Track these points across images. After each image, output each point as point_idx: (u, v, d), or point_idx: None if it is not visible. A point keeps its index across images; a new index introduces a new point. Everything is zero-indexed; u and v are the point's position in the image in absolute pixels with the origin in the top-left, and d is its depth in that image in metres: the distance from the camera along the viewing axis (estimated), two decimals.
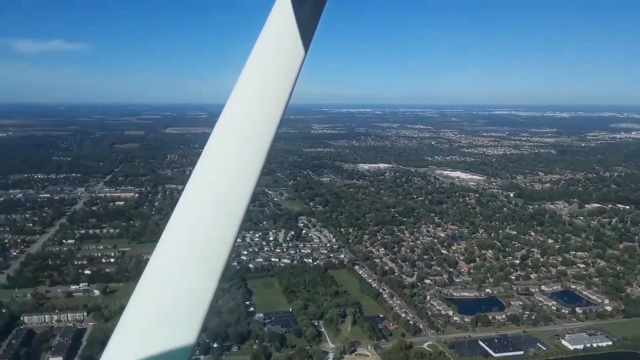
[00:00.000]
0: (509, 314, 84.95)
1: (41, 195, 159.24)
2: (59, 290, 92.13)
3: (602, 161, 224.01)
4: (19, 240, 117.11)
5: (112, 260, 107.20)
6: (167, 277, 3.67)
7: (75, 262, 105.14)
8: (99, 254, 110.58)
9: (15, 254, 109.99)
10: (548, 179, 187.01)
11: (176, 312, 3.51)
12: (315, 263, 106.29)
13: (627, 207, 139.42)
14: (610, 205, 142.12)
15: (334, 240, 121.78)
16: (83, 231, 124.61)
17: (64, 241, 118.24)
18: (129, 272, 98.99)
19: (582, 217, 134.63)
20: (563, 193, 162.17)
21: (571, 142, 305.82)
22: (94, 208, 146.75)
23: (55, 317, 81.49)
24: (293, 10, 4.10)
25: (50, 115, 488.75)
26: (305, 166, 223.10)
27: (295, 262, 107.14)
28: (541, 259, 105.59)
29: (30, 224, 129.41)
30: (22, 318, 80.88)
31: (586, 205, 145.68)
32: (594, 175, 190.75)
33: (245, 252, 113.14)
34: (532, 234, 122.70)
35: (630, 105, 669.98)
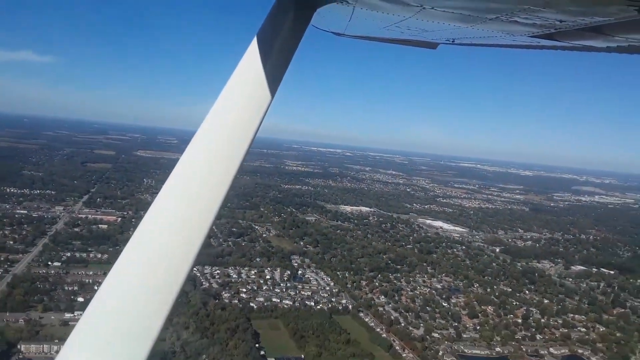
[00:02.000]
0: None
1: (18, 211, 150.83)
2: (52, 317, 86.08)
3: (574, 223, 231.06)
4: (1, 259, 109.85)
5: None
6: (126, 287, 3.73)
7: (66, 288, 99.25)
8: (90, 280, 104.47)
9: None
10: (528, 237, 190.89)
11: (130, 325, 3.55)
12: (318, 307, 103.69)
13: (612, 272, 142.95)
14: (594, 269, 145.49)
15: (332, 283, 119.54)
16: (69, 254, 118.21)
17: (49, 263, 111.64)
18: None
19: (570, 279, 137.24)
20: (546, 252, 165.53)
21: (540, 201, 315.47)
22: (76, 229, 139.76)
23: (55, 347, 75.77)
24: (261, 58, 4.38)
25: (14, 126, 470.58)
26: (287, 203, 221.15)
27: (297, 304, 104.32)
28: (542, 320, 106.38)
29: (11, 242, 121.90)
30: (19, 346, 74.92)
31: (571, 267, 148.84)
32: (571, 236, 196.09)
33: (244, 290, 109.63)
34: (527, 292, 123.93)
35: (587, 169, 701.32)
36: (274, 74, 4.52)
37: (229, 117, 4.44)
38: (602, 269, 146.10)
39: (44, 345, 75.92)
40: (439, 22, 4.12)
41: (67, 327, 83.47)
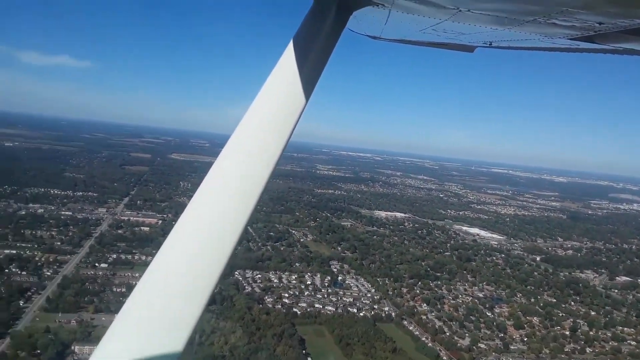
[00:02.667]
0: None
1: (63, 213, 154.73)
2: (103, 318, 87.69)
3: (615, 232, 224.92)
4: (50, 260, 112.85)
5: None
6: (163, 283, 3.91)
7: (115, 289, 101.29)
8: (137, 282, 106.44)
9: (49, 274, 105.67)
10: (569, 246, 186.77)
11: (168, 317, 3.74)
12: (361, 314, 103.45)
13: None
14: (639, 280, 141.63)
15: (373, 290, 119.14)
16: (115, 256, 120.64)
17: (96, 265, 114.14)
18: None
19: (616, 290, 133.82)
20: (589, 262, 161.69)
21: (577, 209, 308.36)
22: (119, 231, 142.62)
23: None
24: (297, 62, 4.40)
25: (53, 128, 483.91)
26: (322, 208, 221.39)
27: (340, 310, 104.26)
28: (591, 333, 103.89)
29: (59, 243, 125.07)
30: (72, 347, 76.69)
31: (616, 278, 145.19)
32: (613, 246, 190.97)
33: (287, 295, 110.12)
34: (572, 303, 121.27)
35: (624, 175, 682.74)
36: (310, 78, 4.55)
37: (264, 120, 4.49)
38: None
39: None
40: (475, 24, 4.09)
41: None
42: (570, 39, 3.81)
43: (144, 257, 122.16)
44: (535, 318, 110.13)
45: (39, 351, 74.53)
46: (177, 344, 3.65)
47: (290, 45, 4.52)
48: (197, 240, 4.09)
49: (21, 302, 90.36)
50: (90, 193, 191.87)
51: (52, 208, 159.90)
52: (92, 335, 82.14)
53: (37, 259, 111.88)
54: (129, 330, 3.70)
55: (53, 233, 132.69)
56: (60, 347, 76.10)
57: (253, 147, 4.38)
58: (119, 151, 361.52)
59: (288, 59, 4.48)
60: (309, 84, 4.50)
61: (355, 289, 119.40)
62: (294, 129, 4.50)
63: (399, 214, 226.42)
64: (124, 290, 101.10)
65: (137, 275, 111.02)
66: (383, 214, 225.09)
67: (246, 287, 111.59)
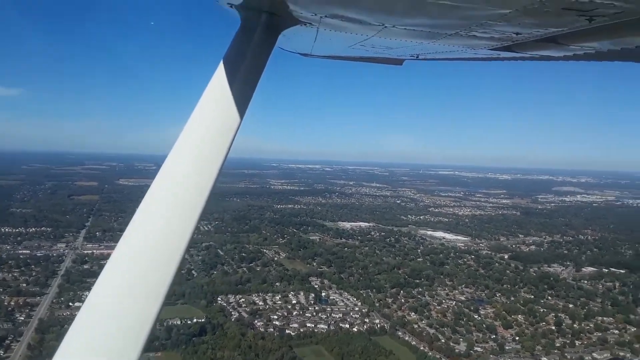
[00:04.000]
0: None
1: (21, 252, 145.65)
2: None
3: (568, 224, 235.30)
4: (20, 303, 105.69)
5: None
6: (117, 288, 3.97)
7: None
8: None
9: (22, 318, 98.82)
10: (530, 241, 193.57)
11: (124, 321, 3.79)
12: (354, 329, 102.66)
13: (622, 270, 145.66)
14: (604, 269, 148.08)
15: (359, 303, 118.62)
16: (87, 292, 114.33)
17: (70, 304, 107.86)
18: (159, 340, 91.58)
19: (585, 281, 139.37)
20: (553, 256, 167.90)
21: (527, 204, 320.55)
22: (86, 266, 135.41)
23: None
24: (228, 81, 4.56)
25: None
26: (286, 223, 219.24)
27: (332, 327, 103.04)
28: (575, 325, 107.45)
29: (24, 285, 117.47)
30: None
31: (582, 269, 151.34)
32: (570, 238, 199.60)
33: (276, 317, 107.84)
34: (550, 298, 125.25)
35: (561, 169, 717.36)
36: (242, 96, 4.64)
37: (199, 140, 4.55)
38: (611, 268, 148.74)
39: None
40: (402, 39, 4.28)
41: None
42: (491, 49, 3.98)
43: None
44: (519, 316, 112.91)
45: None
46: (134, 347, 3.68)
47: (221, 65, 4.62)
48: (146, 248, 4.18)
49: (1, 352, 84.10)
50: (43, 228, 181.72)
51: (8, 247, 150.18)
52: None
53: (5, 303, 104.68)
54: (83, 341, 3.68)
55: (15, 274, 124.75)
56: None
57: (190, 166, 4.44)
58: (63, 181, 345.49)
59: (219, 78, 4.57)
60: (242, 102, 4.59)
61: (342, 304, 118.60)
62: (230, 145, 4.59)
63: (363, 224, 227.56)
64: None
65: None
66: (347, 224, 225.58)
67: (233, 313, 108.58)
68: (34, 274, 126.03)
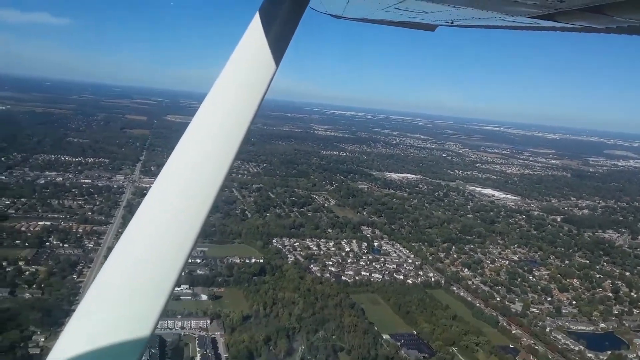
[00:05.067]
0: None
1: (83, 181, 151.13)
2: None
3: (622, 190, 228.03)
4: (88, 230, 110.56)
5: (198, 260, 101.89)
6: (126, 270, 3.83)
7: None
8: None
9: (91, 245, 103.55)
10: (583, 205, 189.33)
11: (132, 306, 3.67)
12: (409, 281, 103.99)
13: None
14: None
15: (412, 256, 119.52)
16: None
17: None
18: (222, 276, 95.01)
19: None
20: (608, 222, 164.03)
21: (578, 166, 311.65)
22: None
23: (179, 324, 76.75)
24: (264, 31, 4.60)
25: (39, 89, 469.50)
26: (333, 170, 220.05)
27: (386, 277, 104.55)
28: (632, 294, 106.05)
29: (90, 213, 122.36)
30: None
31: (639, 237, 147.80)
32: (625, 204, 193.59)
33: (331, 263, 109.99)
34: (605, 264, 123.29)
35: (613, 131, 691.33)
36: (277, 47, 4.63)
37: (237, 82, 4.54)
38: None
39: (168, 321, 76.47)
40: (438, 2, 4.00)
41: (179, 301, 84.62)
42: (531, 17, 3.79)
43: None
44: (575, 280, 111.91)
45: None
46: (144, 329, 3.54)
47: (257, 17, 4.66)
48: (156, 234, 3.95)
49: (75, 277, 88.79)
50: (101, 159, 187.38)
51: (70, 176, 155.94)
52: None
53: (74, 230, 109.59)
54: (95, 316, 3.58)
55: (80, 203, 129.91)
56: None
57: (228, 107, 4.44)
58: (114, 114, 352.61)
59: (255, 29, 4.63)
60: (276, 53, 4.61)
61: (395, 255, 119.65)
62: (267, 90, 4.60)
63: (410, 176, 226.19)
64: None
65: None
66: (394, 175, 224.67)
67: (289, 256, 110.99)
68: (97, 203, 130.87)
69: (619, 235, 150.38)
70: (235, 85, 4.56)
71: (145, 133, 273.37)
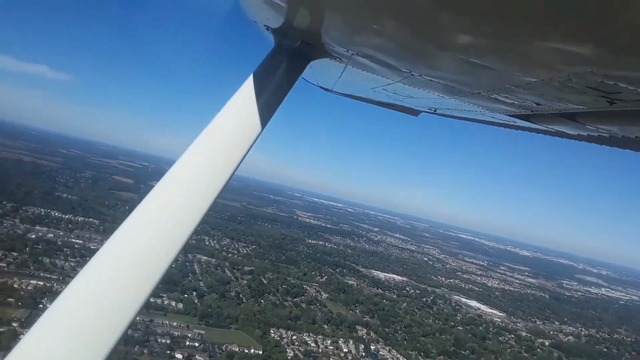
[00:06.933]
0: None
1: (74, 241, 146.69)
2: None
3: (600, 319, 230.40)
4: None
5: (196, 344, 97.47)
6: (93, 288, 3.83)
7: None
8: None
9: None
10: (568, 331, 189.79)
11: (93, 325, 3.58)
12: None
13: None
14: None
15: None
16: None
17: None
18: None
19: None
20: (595, 352, 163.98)
21: (554, 288, 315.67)
22: None
23: None
24: (255, 93, 4.71)
25: (26, 138, 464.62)
26: (321, 261, 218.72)
27: None
28: None
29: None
30: None
31: None
32: (606, 335, 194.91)
33: None
34: None
35: (581, 256, 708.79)
36: (265, 111, 4.77)
37: (214, 144, 4.64)
38: None
39: None
40: (424, 90, 4.29)
41: None
42: (509, 115, 3.96)
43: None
44: None
45: None
46: (99, 352, 3.42)
47: (250, 79, 4.82)
48: (134, 250, 4.05)
49: None
50: (90, 219, 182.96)
51: (61, 234, 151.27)
52: None
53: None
54: (49, 336, 3.51)
55: (72, 264, 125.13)
56: None
57: (206, 159, 4.53)
58: (101, 172, 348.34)
59: (247, 90, 4.77)
60: (264, 115, 4.71)
61: None
62: (245, 154, 4.67)
63: (396, 277, 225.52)
64: None
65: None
66: (381, 274, 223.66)
67: (287, 350, 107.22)
68: None
69: None
70: (219, 137, 4.67)
71: (132, 197, 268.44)
